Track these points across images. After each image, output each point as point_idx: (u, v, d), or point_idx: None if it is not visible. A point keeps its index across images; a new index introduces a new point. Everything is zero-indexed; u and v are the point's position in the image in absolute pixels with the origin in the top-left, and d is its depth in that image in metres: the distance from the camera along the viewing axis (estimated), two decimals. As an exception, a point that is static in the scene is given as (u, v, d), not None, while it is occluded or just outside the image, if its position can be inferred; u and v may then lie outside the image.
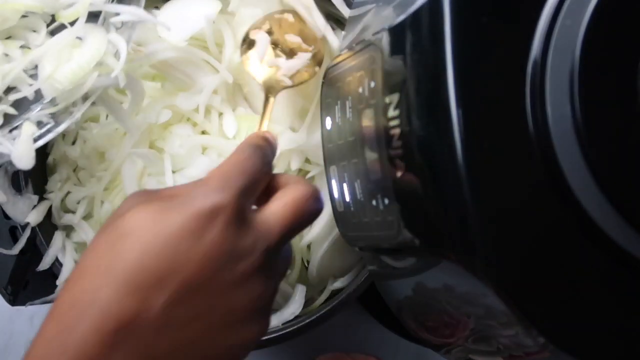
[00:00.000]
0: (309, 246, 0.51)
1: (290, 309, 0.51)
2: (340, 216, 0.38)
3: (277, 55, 0.47)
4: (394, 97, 0.30)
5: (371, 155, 0.33)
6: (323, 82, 0.40)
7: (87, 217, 0.51)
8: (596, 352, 0.28)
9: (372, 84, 0.32)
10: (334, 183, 0.38)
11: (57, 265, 0.49)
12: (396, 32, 0.31)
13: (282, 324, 0.50)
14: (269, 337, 0.48)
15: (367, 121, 0.33)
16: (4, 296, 0.47)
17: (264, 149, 0.34)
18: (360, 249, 0.39)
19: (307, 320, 0.47)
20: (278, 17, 0.48)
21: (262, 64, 0.47)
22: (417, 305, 0.37)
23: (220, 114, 0.50)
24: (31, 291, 0.48)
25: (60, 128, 0.42)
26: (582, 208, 0.27)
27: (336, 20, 0.51)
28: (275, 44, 0.47)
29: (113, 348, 0.26)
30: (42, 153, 0.52)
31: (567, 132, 0.27)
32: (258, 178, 0.32)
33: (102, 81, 0.42)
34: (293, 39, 0.47)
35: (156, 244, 0.27)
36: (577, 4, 0.27)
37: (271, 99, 0.45)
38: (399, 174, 0.30)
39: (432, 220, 0.29)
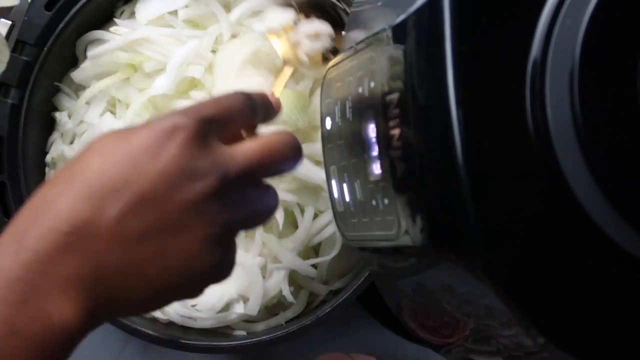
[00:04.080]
0: (315, 249, 0.51)
1: (291, 310, 0.51)
2: (340, 216, 0.38)
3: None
4: (394, 97, 0.30)
5: (371, 155, 0.33)
6: (323, 82, 0.40)
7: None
8: (596, 352, 0.28)
9: (372, 84, 0.32)
10: (334, 183, 0.38)
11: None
12: (396, 32, 0.31)
13: (283, 324, 0.50)
14: (269, 337, 0.48)
15: (367, 121, 0.33)
16: (4, 296, 0.47)
17: (252, 98, 0.34)
18: (360, 249, 0.39)
19: (308, 321, 0.47)
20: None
21: (284, 38, 0.48)
22: (417, 305, 0.37)
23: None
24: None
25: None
26: (582, 208, 0.27)
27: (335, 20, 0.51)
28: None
29: (64, 251, 0.27)
30: (41, 152, 0.52)
31: (567, 132, 0.27)
32: (230, 115, 0.32)
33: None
34: (318, 25, 0.48)
35: (116, 156, 0.28)
36: (577, 4, 0.27)
37: (286, 69, 0.46)
38: (399, 173, 0.30)
39: (432, 220, 0.29)
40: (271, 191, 0.34)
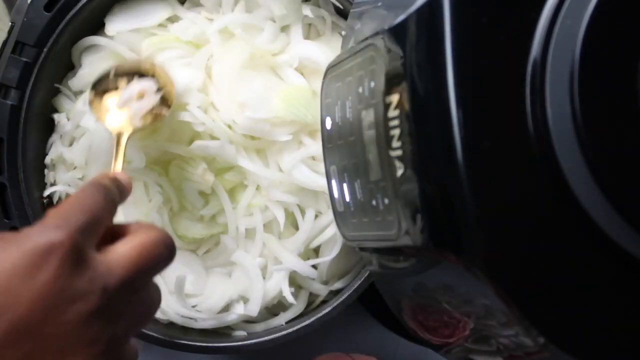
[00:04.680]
0: (315, 249, 0.51)
1: (291, 310, 0.51)
2: (340, 216, 0.38)
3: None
4: (394, 97, 0.30)
5: (371, 155, 0.33)
6: (323, 82, 0.40)
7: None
8: (596, 352, 0.28)
9: (372, 84, 0.32)
10: (334, 183, 0.38)
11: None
12: (396, 32, 0.31)
13: (284, 324, 0.50)
14: (270, 337, 0.48)
15: (367, 121, 0.33)
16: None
17: (108, 188, 0.33)
18: (360, 249, 0.39)
19: (308, 321, 0.47)
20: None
21: (113, 109, 0.47)
22: (417, 305, 0.37)
23: None
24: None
25: None
26: (582, 208, 0.27)
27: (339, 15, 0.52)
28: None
29: None
30: (41, 153, 0.52)
31: (567, 132, 0.27)
32: (99, 216, 0.31)
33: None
34: (143, 83, 0.47)
35: None
36: (577, 4, 0.27)
37: (122, 141, 0.45)
38: (399, 173, 0.30)
39: (432, 220, 0.29)
40: (152, 286, 0.33)
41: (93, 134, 0.50)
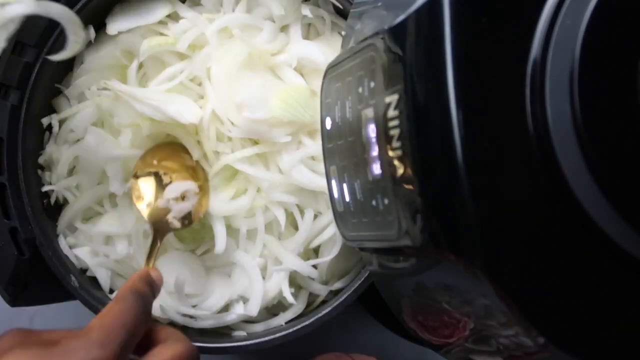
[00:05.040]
0: (315, 249, 0.51)
1: (291, 310, 0.51)
2: (340, 216, 0.38)
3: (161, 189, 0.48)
4: (394, 98, 0.30)
5: (371, 155, 0.33)
6: (323, 82, 0.40)
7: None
8: (596, 352, 0.28)
9: (372, 84, 0.32)
10: (334, 183, 0.38)
11: (58, 267, 0.49)
12: (396, 32, 0.31)
13: (283, 324, 0.50)
14: (270, 337, 0.48)
15: (367, 121, 0.33)
16: (4, 297, 0.47)
17: (146, 296, 0.36)
18: (360, 249, 0.39)
19: (308, 321, 0.47)
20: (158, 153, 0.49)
21: (153, 204, 0.47)
22: (417, 305, 0.37)
23: None
24: (31, 292, 0.48)
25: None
26: (582, 208, 0.27)
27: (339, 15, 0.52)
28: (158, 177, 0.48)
29: None
30: (36, 154, 0.52)
31: (567, 132, 0.27)
32: (138, 330, 0.33)
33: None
34: (186, 184, 0.48)
35: None
36: (577, 4, 0.27)
37: (159, 240, 0.46)
38: (399, 174, 0.30)
39: (432, 221, 0.29)
40: None
41: (82, 148, 0.50)
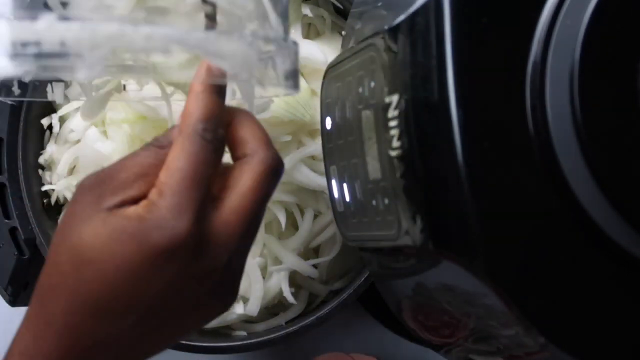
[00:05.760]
0: (315, 249, 0.51)
1: (291, 310, 0.51)
2: (340, 216, 0.38)
3: None
4: (394, 97, 0.30)
5: (371, 155, 0.33)
6: (323, 82, 0.40)
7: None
8: (596, 352, 0.28)
9: (372, 84, 0.32)
10: (334, 183, 0.38)
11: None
12: (396, 32, 0.31)
13: (283, 324, 0.50)
14: (270, 337, 0.48)
15: (367, 121, 0.33)
16: (4, 297, 0.47)
17: (217, 131, 0.29)
18: (360, 249, 0.39)
19: (308, 321, 0.47)
20: None
21: None
22: (417, 305, 0.37)
23: None
24: (31, 292, 0.48)
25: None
26: (582, 208, 0.27)
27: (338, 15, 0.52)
28: None
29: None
30: (36, 154, 0.52)
31: (567, 132, 0.27)
32: (211, 175, 0.29)
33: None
34: None
35: (117, 277, 0.27)
36: (577, 4, 0.27)
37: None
38: (399, 174, 0.30)
39: (432, 220, 0.29)
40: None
41: (83, 143, 0.50)
